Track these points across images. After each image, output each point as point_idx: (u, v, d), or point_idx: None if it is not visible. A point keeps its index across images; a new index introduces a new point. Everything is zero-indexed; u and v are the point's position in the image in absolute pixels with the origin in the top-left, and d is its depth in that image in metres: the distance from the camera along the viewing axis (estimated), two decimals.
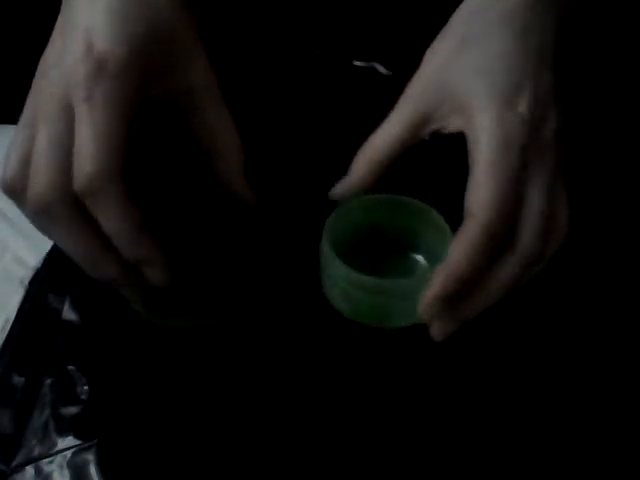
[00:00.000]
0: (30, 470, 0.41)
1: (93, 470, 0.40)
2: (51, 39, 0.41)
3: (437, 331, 0.40)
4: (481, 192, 0.38)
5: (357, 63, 0.57)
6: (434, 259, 0.45)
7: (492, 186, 0.38)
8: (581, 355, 0.44)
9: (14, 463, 0.41)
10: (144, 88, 0.39)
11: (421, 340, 0.43)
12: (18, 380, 0.44)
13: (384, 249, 0.47)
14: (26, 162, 0.38)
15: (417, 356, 0.44)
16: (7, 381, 0.44)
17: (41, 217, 0.38)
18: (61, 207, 0.38)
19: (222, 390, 0.43)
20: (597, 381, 0.43)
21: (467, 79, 0.40)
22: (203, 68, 0.42)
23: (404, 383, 0.43)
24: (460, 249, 0.38)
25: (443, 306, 0.39)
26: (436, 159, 0.48)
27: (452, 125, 0.41)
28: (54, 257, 0.50)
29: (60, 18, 0.41)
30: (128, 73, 0.38)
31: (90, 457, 0.41)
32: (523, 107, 0.39)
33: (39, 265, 0.49)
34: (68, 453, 0.41)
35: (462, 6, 0.42)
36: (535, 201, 0.39)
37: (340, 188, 0.43)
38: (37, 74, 0.40)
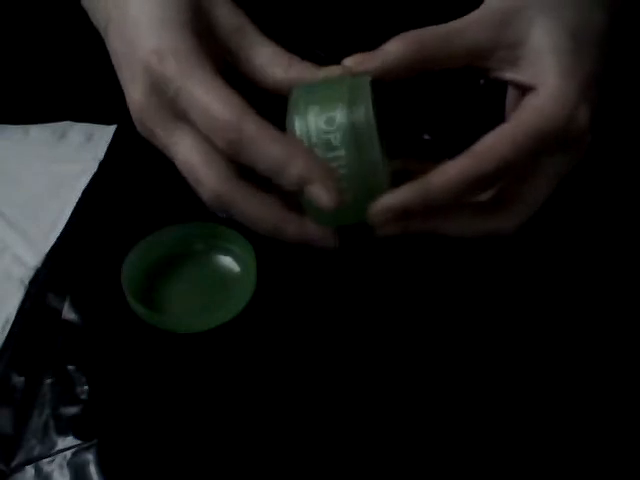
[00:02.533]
0: (30, 470, 0.41)
1: (93, 470, 0.40)
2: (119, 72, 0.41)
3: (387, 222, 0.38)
4: (556, 96, 0.38)
5: None
6: None
7: (566, 92, 0.38)
8: (581, 355, 0.44)
9: (14, 463, 0.41)
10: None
11: (421, 340, 0.43)
12: (18, 380, 0.44)
13: None
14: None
15: (417, 356, 0.44)
16: (7, 381, 0.44)
17: (224, 207, 0.39)
18: (236, 193, 0.38)
19: (222, 390, 0.43)
20: (597, 381, 0.43)
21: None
22: (228, 12, 0.41)
23: (403, 383, 0.43)
24: (511, 133, 0.37)
25: (445, 198, 0.37)
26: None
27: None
28: (54, 257, 0.50)
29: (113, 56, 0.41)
30: (189, 53, 0.38)
31: (90, 457, 0.41)
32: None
33: (39, 265, 0.49)
34: (68, 453, 0.41)
35: None
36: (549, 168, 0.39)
37: (362, 58, 0.40)
38: (134, 112, 0.40)
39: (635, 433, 0.41)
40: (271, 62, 0.41)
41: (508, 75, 0.40)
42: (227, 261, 0.49)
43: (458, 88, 0.54)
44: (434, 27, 0.40)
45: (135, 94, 0.39)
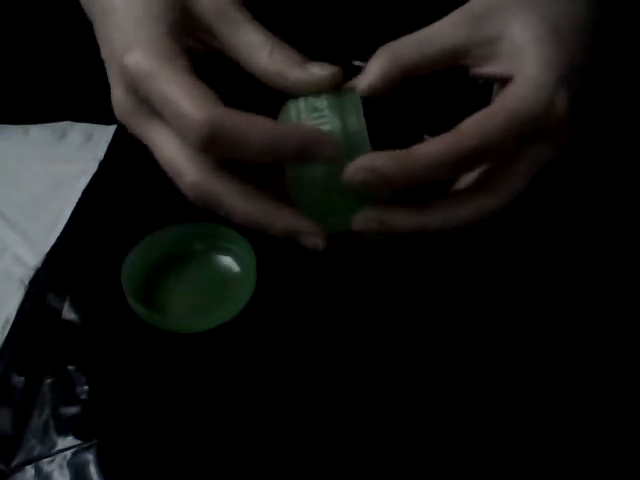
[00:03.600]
0: (30, 470, 0.41)
1: (93, 470, 0.40)
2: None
3: (369, 219, 0.39)
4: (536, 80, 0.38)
5: (357, 63, 0.57)
6: None
7: (546, 73, 0.38)
8: (578, 352, 0.45)
9: (14, 463, 0.41)
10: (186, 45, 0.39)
11: (420, 338, 0.43)
12: (18, 380, 0.44)
13: None
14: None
15: (416, 355, 0.44)
16: (7, 381, 0.44)
17: (208, 201, 0.38)
18: (218, 184, 0.38)
19: (222, 390, 0.43)
20: (597, 381, 0.44)
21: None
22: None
23: (403, 382, 0.43)
24: (494, 116, 0.37)
25: (430, 174, 0.37)
26: None
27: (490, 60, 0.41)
28: (54, 257, 0.50)
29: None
30: (159, 49, 0.38)
31: (90, 457, 0.41)
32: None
33: (39, 265, 0.49)
34: (68, 453, 0.41)
35: None
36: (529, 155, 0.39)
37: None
38: (116, 112, 0.40)
39: (635, 433, 0.41)
40: (255, 48, 0.40)
41: (486, 70, 0.41)
42: (227, 261, 0.49)
43: (457, 88, 0.54)
44: (408, 36, 0.40)
45: (115, 94, 0.39)
